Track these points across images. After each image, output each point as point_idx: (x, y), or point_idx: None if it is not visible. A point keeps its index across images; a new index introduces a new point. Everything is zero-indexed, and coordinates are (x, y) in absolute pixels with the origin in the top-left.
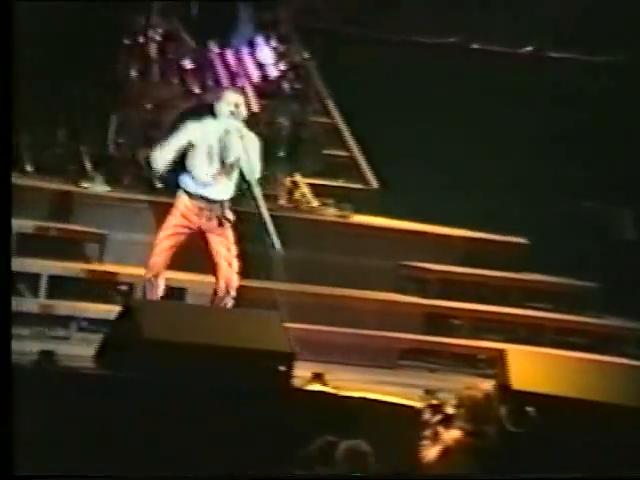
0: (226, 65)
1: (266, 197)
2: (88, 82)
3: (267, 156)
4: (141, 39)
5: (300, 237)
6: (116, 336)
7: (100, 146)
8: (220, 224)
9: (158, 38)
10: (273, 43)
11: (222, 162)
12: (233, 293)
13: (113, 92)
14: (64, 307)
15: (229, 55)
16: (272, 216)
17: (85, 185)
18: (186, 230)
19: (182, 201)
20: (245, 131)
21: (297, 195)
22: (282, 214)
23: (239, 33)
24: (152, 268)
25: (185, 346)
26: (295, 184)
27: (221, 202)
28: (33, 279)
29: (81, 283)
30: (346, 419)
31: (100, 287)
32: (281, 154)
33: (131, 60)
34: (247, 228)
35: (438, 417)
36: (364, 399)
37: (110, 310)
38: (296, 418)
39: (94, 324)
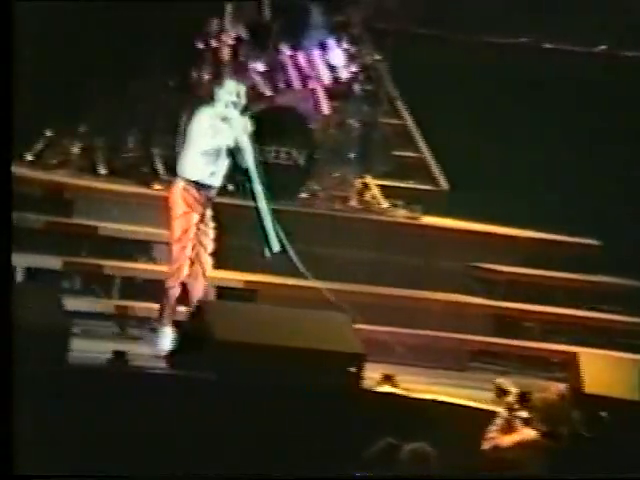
0: (297, 67)
1: (337, 199)
2: (160, 85)
3: (337, 158)
4: (214, 42)
5: (370, 238)
6: (188, 337)
7: (172, 149)
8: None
9: (231, 41)
10: (344, 45)
11: (217, 146)
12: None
13: (185, 95)
14: (138, 308)
15: (300, 57)
16: (343, 217)
17: (157, 187)
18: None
19: (180, 188)
20: (242, 120)
21: (367, 196)
22: (352, 215)
23: (311, 35)
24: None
25: (255, 347)
26: (365, 185)
27: (210, 188)
28: (107, 280)
29: (152, 284)
30: (415, 421)
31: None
32: (351, 156)
33: (204, 63)
34: (314, 229)
35: (513, 415)
36: (433, 401)
37: (180, 311)
38: (365, 419)
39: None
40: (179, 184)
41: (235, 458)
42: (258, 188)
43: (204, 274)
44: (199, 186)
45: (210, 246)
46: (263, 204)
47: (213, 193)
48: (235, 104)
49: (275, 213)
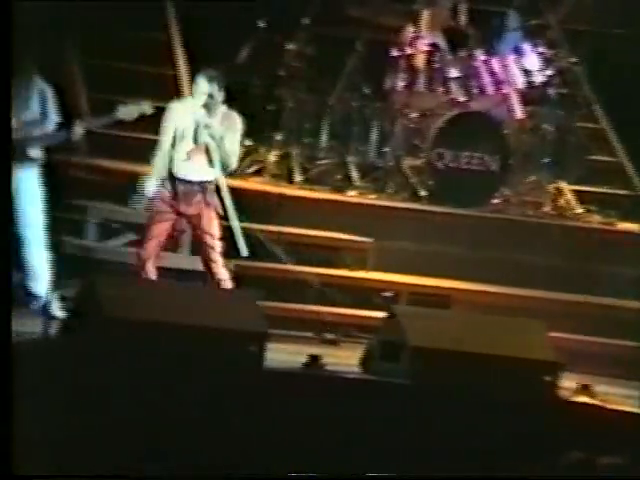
0: (491, 72)
1: (530, 204)
2: (355, 94)
3: (531, 163)
4: (409, 49)
5: (564, 244)
6: (381, 343)
7: (365, 155)
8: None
9: (425, 48)
10: (540, 49)
11: (196, 141)
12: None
13: (378, 102)
14: (331, 314)
15: (495, 62)
16: (536, 223)
17: (351, 194)
18: (168, 216)
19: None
20: (225, 113)
21: (561, 202)
22: (546, 221)
23: (506, 40)
24: (140, 255)
25: (449, 353)
26: (559, 191)
27: (200, 184)
28: (301, 286)
29: (346, 290)
30: (611, 433)
31: (365, 294)
32: (545, 161)
33: (398, 71)
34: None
35: None
36: (632, 414)
37: (375, 317)
38: (560, 428)
39: (360, 330)
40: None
41: (426, 461)
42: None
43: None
44: (180, 182)
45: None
46: (231, 207)
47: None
48: (207, 105)
49: (468, 219)
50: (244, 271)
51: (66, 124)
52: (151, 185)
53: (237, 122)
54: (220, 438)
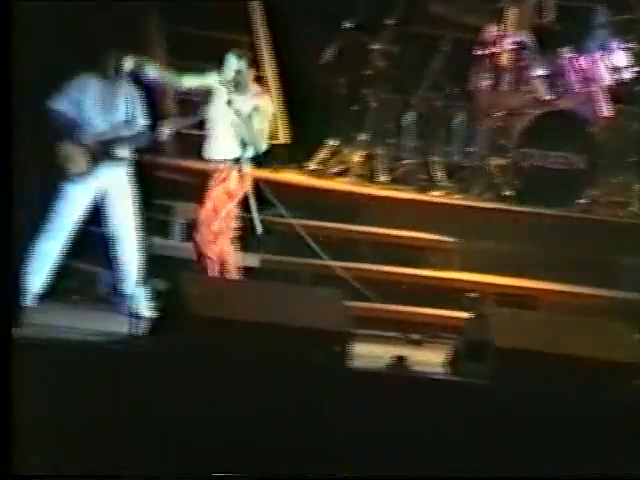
0: (578, 70)
1: (617, 204)
2: (439, 93)
3: (618, 162)
4: (493, 48)
5: None
6: (466, 343)
7: (450, 155)
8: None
9: (511, 46)
10: (629, 45)
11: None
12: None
13: (463, 102)
14: (416, 314)
15: (581, 60)
16: (623, 224)
17: (435, 194)
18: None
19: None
20: (257, 93)
21: None
22: (634, 221)
23: (593, 37)
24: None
25: (535, 355)
26: None
27: (227, 162)
28: (388, 286)
29: (430, 290)
30: None
31: (450, 295)
32: (633, 160)
33: (483, 70)
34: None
35: None
36: None
37: (460, 318)
38: None
39: (445, 331)
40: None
41: (509, 462)
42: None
43: None
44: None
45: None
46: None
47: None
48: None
49: (554, 219)
50: (327, 271)
51: (153, 125)
52: None
53: (268, 104)
54: (304, 437)
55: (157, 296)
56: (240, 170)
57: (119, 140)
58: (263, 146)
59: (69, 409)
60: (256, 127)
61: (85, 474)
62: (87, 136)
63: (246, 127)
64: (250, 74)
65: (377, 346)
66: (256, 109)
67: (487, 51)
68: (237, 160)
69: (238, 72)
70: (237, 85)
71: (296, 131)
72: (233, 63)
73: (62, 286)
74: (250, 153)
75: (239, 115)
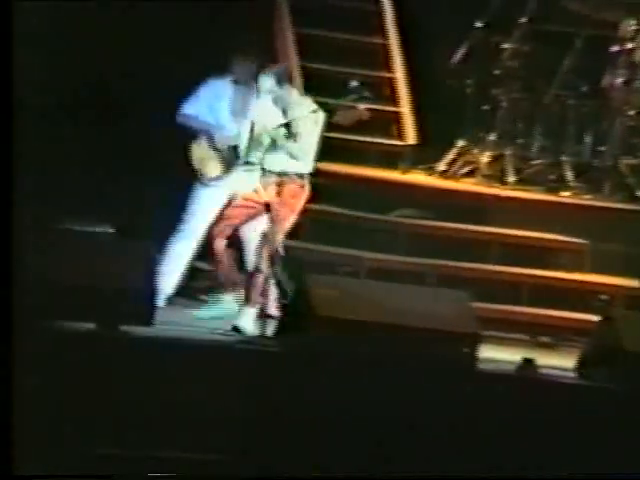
0: None
1: None
2: (571, 92)
3: None
4: (629, 45)
5: None
6: (596, 347)
7: (580, 155)
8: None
9: None
10: None
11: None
12: None
13: (595, 100)
14: (545, 316)
15: None
16: None
17: (565, 194)
18: (255, 204)
19: None
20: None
21: None
22: None
23: None
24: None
25: None
26: None
27: (281, 174)
28: (514, 287)
29: (560, 292)
30: None
31: (580, 297)
32: None
33: (617, 67)
34: None
35: None
36: None
37: (590, 320)
38: None
39: (576, 334)
40: None
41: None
42: None
43: None
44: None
45: None
46: None
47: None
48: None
49: None
50: (455, 272)
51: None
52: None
53: (318, 118)
54: (432, 439)
55: (286, 296)
56: (280, 184)
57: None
58: (308, 163)
59: (197, 407)
60: (304, 141)
61: (85, 474)
62: (221, 140)
63: (289, 145)
64: (290, 89)
65: (505, 348)
66: (306, 124)
67: (622, 47)
68: (280, 173)
69: (273, 92)
70: (277, 104)
71: (425, 132)
72: (265, 84)
73: (192, 286)
74: (292, 169)
75: (285, 136)
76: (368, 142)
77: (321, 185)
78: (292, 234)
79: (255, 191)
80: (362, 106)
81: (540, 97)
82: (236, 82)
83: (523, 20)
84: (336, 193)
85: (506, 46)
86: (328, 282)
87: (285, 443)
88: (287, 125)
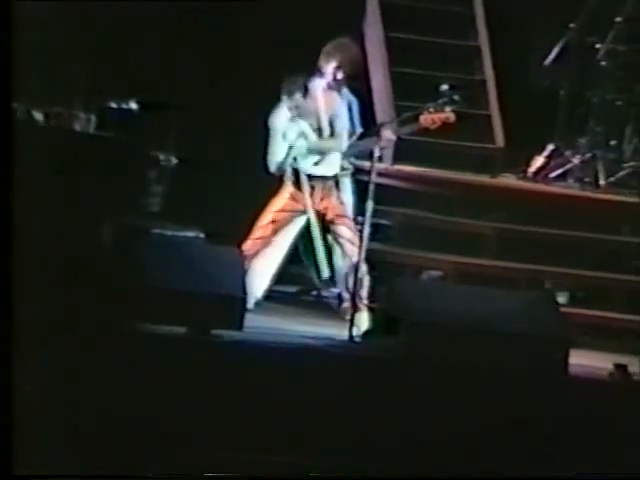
0: None
1: None
2: None
3: None
4: None
5: None
6: None
7: None
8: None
9: None
10: None
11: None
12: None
13: None
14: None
15: None
16: None
17: None
18: (294, 213)
19: (289, 183)
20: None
21: None
22: None
23: None
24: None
25: None
26: None
27: (327, 179)
28: (609, 292)
29: None
30: None
31: None
32: None
33: None
34: None
35: None
36: None
37: None
38: None
39: None
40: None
41: None
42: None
43: None
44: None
45: None
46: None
47: None
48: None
49: None
50: (545, 276)
51: (372, 133)
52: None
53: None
54: (519, 446)
55: (375, 300)
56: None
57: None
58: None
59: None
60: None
61: (85, 474)
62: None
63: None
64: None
65: (598, 353)
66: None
67: None
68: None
69: (296, 107)
70: (301, 116)
71: (516, 134)
72: (287, 102)
73: (283, 290)
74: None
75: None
76: (458, 145)
77: (410, 189)
78: (382, 238)
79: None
80: (448, 109)
81: (634, 98)
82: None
83: (619, 19)
84: (424, 197)
85: (600, 46)
86: (417, 285)
87: (375, 448)
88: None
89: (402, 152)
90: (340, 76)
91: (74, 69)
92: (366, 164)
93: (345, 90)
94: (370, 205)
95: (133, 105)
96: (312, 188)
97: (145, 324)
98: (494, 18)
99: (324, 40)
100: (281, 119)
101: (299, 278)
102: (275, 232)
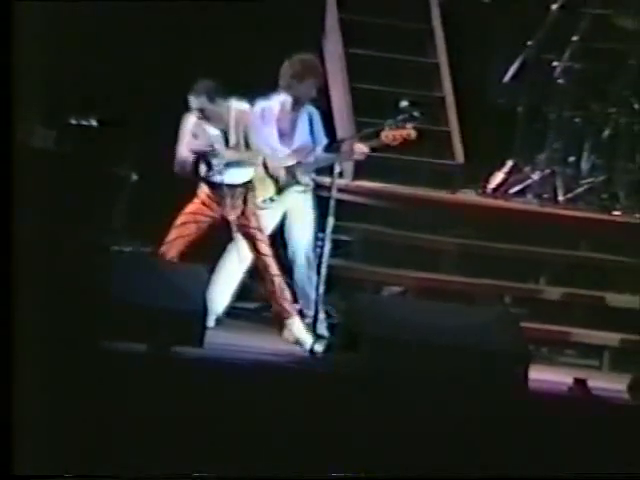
0: None
1: None
2: (624, 109)
3: None
4: None
5: None
6: None
7: (633, 173)
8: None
9: None
10: None
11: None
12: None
13: None
14: (595, 337)
15: None
16: None
17: (616, 213)
18: (206, 219)
19: (202, 189)
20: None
21: None
22: None
23: None
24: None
25: None
26: None
27: (235, 187)
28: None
29: (611, 313)
30: None
31: (632, 318)
32: None
33: None
34: None
35: None
36: None
37: None
38: None
39: (625, 355)
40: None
41: None
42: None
43: None
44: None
45: None
46: None
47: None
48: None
49: None
50: (505, 291)
51: (334, 147)
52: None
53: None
54: (479, 460)
55: (334, 316)
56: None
57: (303, 165)
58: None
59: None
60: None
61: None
62: (272, 162)
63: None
64: (218, 104)
65: (557, 368)
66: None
67: None
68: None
69: (201, 110)
70: (209, 119)
71: (476, 151)
72: (193, 103)
73: (243, 307)
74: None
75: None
76: (418, 161)
77: (370, 205)
78: (343, 254)
79: None
80: (409, 125)
81: (592, 115)
82: (295, 103)
83: (575, 38)
84: (385, 213)
85: (557, 64)
86: (376, 302)
87: (331, 464)
88: None
89: (362, 168)
90: (314, 94)
91: (34, 85)
92: (326, 180)
93: (307, 106)
94: (331, 221)
95: (93, 122)
96: (224, 195)
97: (105, 340)
98: (453, 35)
99: (283, 56)
100: (190, 120)
101: (259, 294)
102: (190, 234)
